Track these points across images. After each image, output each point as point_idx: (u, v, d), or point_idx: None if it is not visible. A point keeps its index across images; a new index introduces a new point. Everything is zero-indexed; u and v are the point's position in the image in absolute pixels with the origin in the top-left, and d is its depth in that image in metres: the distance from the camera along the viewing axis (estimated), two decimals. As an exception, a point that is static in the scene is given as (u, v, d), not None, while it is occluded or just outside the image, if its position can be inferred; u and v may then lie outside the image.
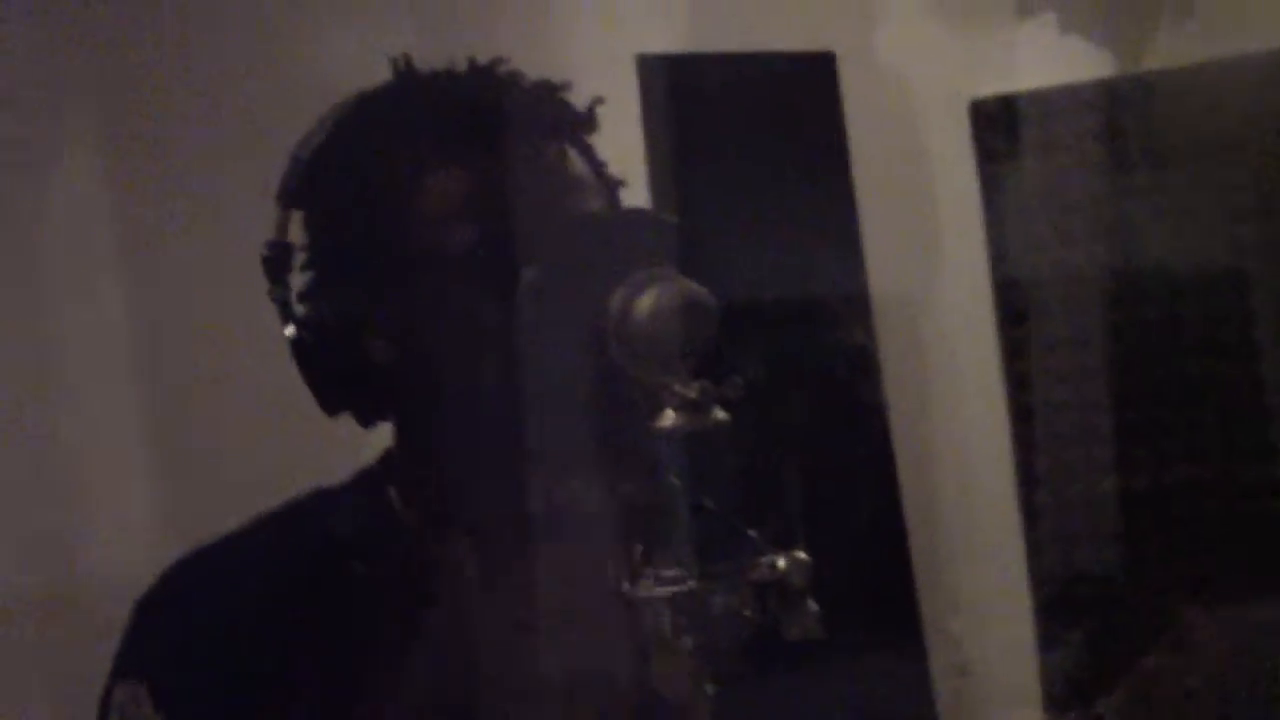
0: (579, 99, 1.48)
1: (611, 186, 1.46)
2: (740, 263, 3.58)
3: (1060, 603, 4.31)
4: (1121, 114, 4.53)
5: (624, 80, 3.62)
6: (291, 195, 1.41)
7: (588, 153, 1.45)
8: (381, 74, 1.53)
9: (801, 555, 1.15)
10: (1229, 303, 4.47)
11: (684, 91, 3.75)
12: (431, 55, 1.52)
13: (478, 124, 1.39)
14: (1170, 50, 4.75)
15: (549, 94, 1.46)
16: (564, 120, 1.45)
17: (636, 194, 1.74)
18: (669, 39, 3.73)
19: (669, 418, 1.15)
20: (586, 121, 1.46)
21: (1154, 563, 4.36)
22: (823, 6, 4.15)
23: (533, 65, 1.51)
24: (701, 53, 3.83)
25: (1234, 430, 4.41)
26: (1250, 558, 4.36)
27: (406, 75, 1.46)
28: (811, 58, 4.08)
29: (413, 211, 1.36)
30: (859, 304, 4.03)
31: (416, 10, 3.14)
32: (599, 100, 1.47)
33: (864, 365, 4.04)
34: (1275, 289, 4.42)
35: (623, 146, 3.51)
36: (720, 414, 1.15)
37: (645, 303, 1.16)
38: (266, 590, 1.32)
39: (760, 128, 3.99)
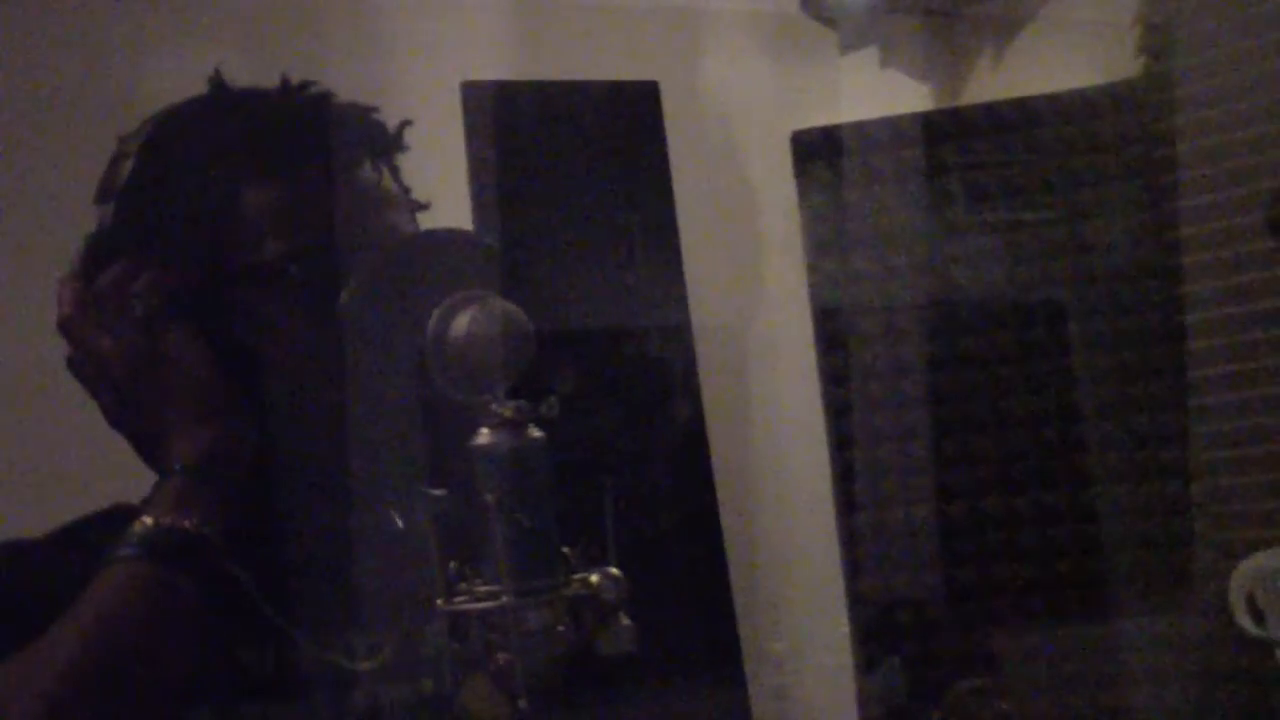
0: (390, 121, 1.49)
1: (415, 209, 1.47)
2: (563, 286, 3.60)
3: (878, 627, 4.35)
4: (939, 147, 4.60)
5: (449, 106, 3.62)
6: (111, 193, 1.40)
7: (395, 173, 1.46)
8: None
9: (615, 572, 1.16)
10: (1045, 334, 4.55)
11: (509, 118, 3.76)
12: (258, 80, 1.52)
13: (287, 141, 1.39)
14: (987, 86, 4.85)
15: (359, 114, 1.47)
16: (373, 140, 1.46)
17: (460, 219, 1.75)
18: (495, 66, 3.74)
19: (485, 436, 1.16)
20: (395, 142, 1.47)
21: (969, 588, 4.42)
22: (647, 37, 4.17)
23: (358, 91, 1.52)
24: (526, 80, 3.84)
25: (1048, 459, 4.49)
26: (1062, 584, 4.44)
27: (218, 89, 1.47)
28: (635, 87, 4.11)
29: (224, 225, 1.37)
30: (680, 329, 4.06)
31: (244, 38, 3.13)
32: (407, 122, 1.49)
33: (684, 390, 4.07)
34: (1090, 321, 4.50)
35: (447, 171, 3.53)
36: (536, 432, 1.17)
37: (461, 324, 1.17)
38: (44, 594, 1.30)
39: (584, 155, 4.01)
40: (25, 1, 3.11)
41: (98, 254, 1.40)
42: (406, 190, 1.48)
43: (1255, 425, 4.33)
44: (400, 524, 1.19)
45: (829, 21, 4.74)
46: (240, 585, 1.28)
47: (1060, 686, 4.33)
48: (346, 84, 1.54)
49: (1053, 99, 4.58)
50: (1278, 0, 4.21)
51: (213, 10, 3.31)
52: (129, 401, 1.37)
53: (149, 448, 1.38)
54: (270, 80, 1.50)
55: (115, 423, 1.39)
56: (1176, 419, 4.41)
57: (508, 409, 1.16)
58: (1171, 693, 4.38)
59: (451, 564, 1.17)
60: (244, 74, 1.52)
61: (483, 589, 1.15)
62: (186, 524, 1.29)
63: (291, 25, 3.28)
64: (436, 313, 1.19)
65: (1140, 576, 4.38)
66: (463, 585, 1.16)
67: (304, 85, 1.47)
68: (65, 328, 1.40)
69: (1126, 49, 4.50)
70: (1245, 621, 4.25)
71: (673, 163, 4.19)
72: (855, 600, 4.44)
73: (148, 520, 1.29)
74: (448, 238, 1.32)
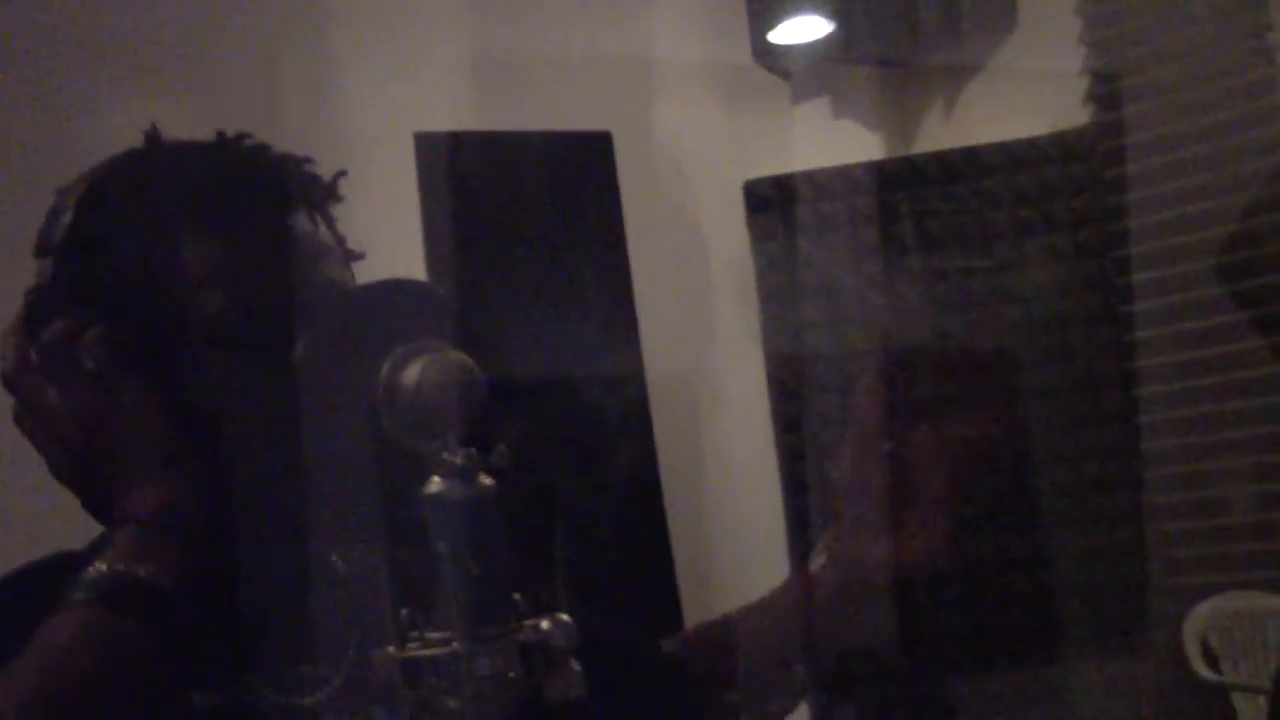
0: (327, 171, 1.50)
1: (350, 259, 1.48)
2: (516, 335, 3.61)
3: (831, 676, 4.35)
4: (891, 195, 4.64)
5: (402, 157, 3.63)
6: (50, 247, 1.40)
7: (331, 224, 1.47)
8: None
9: (564, 618, 1.17)
10: (997, 380, 4.57)
11: (462, 168, 3.78)
12: (211, 130, 1.53)
13: (224, 194, 1.40)
14: (938, 135, 4.89)
15: (293, 165, 1.47)
16: (309, 191, 1.46)
17: (413, 268, 1.77)
18: (448, 117, 3.75)
19: (436, 484, 1.17)
20: (330, 192, 1.48)
21: (922, 635, 4.44)
22: (599, 88, 4.20)
23: (313, 141, 1.53)
24: (479, 131, 3.85)
25: (1003, 507, 4.51)
26: (1015, 630, 4.45)
27: (153, 142, 1.47)
28: (588, 137, 4.13)
29: (163, 279, 1.37)
30: (633, 377, 4.07)
31: (198, 89, 3.14)
32: (342, 172, 1.49)
33: (637, 438, 4.08)
34: (1042, 368, 4.53)
35: (401, 221, 3.55)
36: (487, 481, 1.17)
37: (413, 373, 1.18)
38: None
39: (537, 205, 4.03)
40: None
41: (38, 308, 1.40)
42: (342, 240, 1.48)
43: (1206, 470, 4.36)
44: (343, 570, 1.19)
45: (781, 72, 4.77)
46: (193, 632, 1.28)
47: (1015, 732, 4.35)
48: (301, 134, 1.55)
49: (1003, 147, 4.62)
50: (1227, 49, 4.25)
51: (171, 62, 3.33)
52: (78, 456, 1.37)
53: (95, 501, 1.37)
54: (232, 130, 1.51)
55: (60, 476, 1.39)
56: (1127, 465, 4.43)
57: (459, 457, 1.17)
58: (1126, 737, 4.40)
59: (403, 611, 1.17)
60: (199, 126, 1.52)
61: (434, 635, 1.16)
62: (141, 572, 1.29)
63: (247, 76, 3.30)
64: (388, 362, 1.19)
65: (1094, 622, 4.39)
66: (414, 632, 1.16)
67: (240, 136, 1.48)
68: (8, 382, 1.39)
69: (1076, 97, 4.55)
70: (1200, 667, 4.27)
71: (626, 212, 4.22)
72: (809, 650, 4.44)
73: (101, 566, 1.29)
74: (400, 287, 1.33)
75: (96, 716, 1.25)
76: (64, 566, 1.32)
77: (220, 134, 1.48)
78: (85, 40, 3.27)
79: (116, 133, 1.50)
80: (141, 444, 1.35)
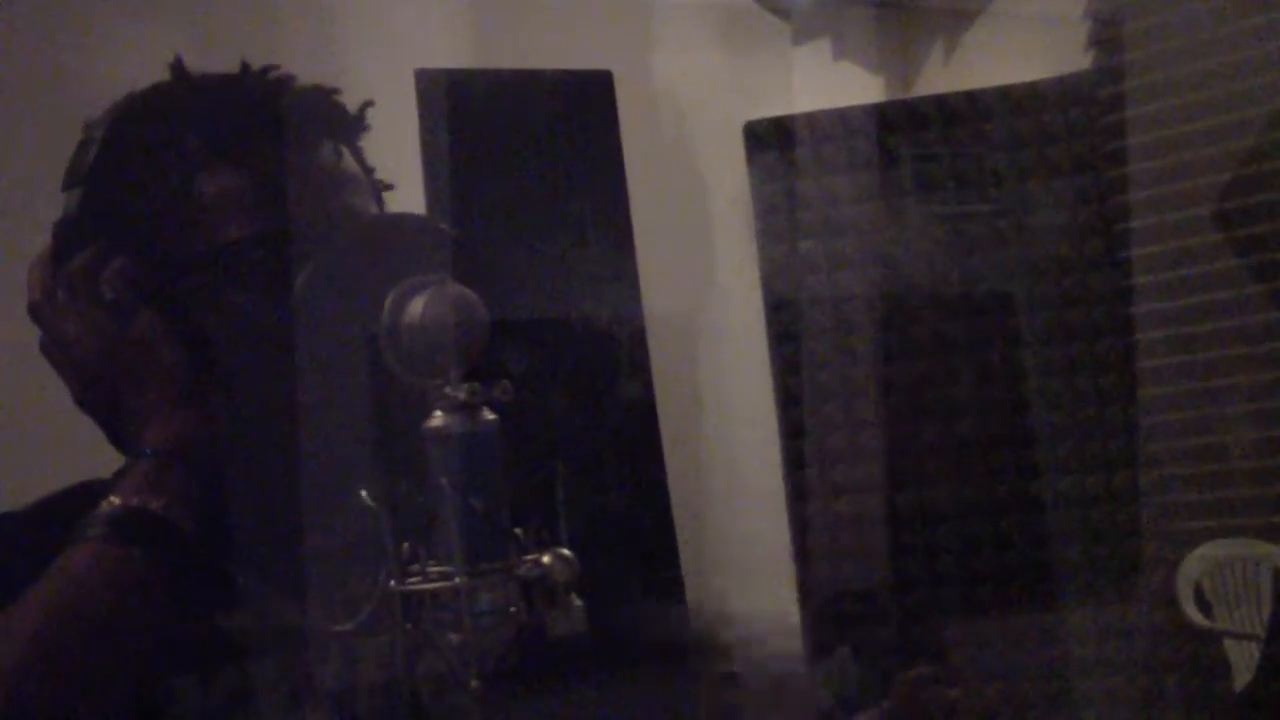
0: (351, 103, 1.49)
1: (378, 191, 1.48)
2: (516, 272, 3.60)
3: (828, 617, 4.37)
4: (891, 138, 4.63)
5: (403, 93, 3.62)
6: (77, 180, 1.41)
7: (358, 155, 1.46)
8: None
9: (566, 553, 1.17)
10: (996, 325, 4.58)
11: (462, 106, 3.76)
12: (213, 67, 1.53)
13: (249, 124, 1.40)
14: (938, 78, 4.87)
15: (320, 97, 1.47)
16: (335, 122, 1.46)
17: (414, 205, 1.76)
18: (449, 54, 3.74)
19: (438, 419, 1.17)
20: (357, 123, 1.48)
21: (918, 578, 4.45)
22: (600, 27, 4.18)
23: (313, 78, 1.52)
24: (480, 69, 3.84)
25: (997, 450, 4.51)
26: (1010, 574, 4.46)
27: (179, 75, 1.47)
28: (589, 76, 4.12)
29: (187, 209, 1.37)
30: (632, 316, 4.07)
31: (199, 25, 3.13)
32: (369, 103, 1.49)
33: (635, 377, 4.08)
34: (1039, 313, 4.53)
35: (402, 158, 3.54)
36: (489, 415, 1.17)
37: (415, 308, 1.18)
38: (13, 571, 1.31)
39: (538, 143, 4.01)
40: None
41: (67, 240, 1.41)
42: (370, 171, 1.48)
43: (1203, 417, 4.37)
44: (367, 499, 1.19)
45: (782, 13, 4.76)
46: (210, 563, 1.29)
47: (1009, 675, 4.36)
48: (301, 71, 1.54)
49: (1004, 91, 4.61)
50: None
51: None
52: (97, 386, 1.38)
53: (116, 431, 1.38)
54: (229, 67, 1.51)
55: (83, 405, 1.40)
56: (1124, 410, 4.44)
57: (461, 392, 1.17)
58: (1118, 682, 4.41)
59: (404, 545, 1.17)
60: (201, 60, 1.52)
61: (435, 570, 1.16)
62: (154, 506, 1.30)
63: (246, 12, 3.28)
64: (391, 296, 1.19)
65: (1088, 567, 4.41)
66: (415, 566, 1.17)
67: (265, 70, 1.48)
68: (35, 312, 1.41)
69: (1077, 42, 4.54)
70: (1192, 612, 4.28)
71: (626, 152, 4.21)
72: (805, 590, 4.46)
73: (115, 500, 1.30)
74: (402, 222, 1.33)
75: (106, 650, 1.26)
76: (85, 497, 1.33)
77: (244, 65, 1.47)
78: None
79: (131, 65, 1.50)
80: (157, 376, 1.35)
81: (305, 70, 1.54)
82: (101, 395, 1.38)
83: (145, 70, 1.50)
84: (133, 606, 1.28)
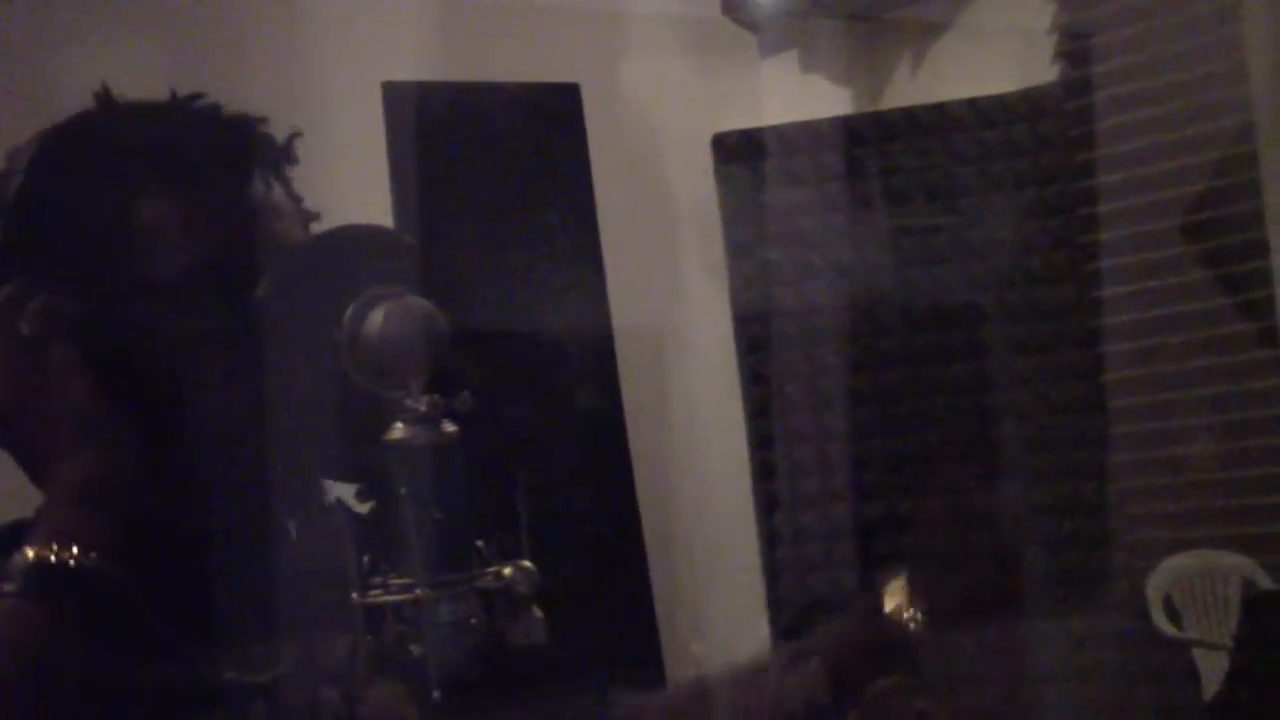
0: (280, 131, 1.48)
1: (306, 220, 1.46)
2: (483, 283, 3.61)
3: (797, 626, 4.36)
4: (859, 150, 4.64)
5: (370, 106, 3.63)
6: None
7: (286, 185, 1.45)
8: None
9: (527, 565, 1.17)
10: (964, 336, 4.59)
11: (430, 118, 3.77)
12: (180, 85, 1.52)
13: (176, 155, 1.39)
14: (906, 90, 4.88)
15: (247, 126, 1.46)
16: (262, 152, 1.45)
17: (381, 216, 1.76)
18: (417, 67, 3.74)
19: (399, 430, 1.16)
20: (285, 153, 1.46)
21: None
22: (569, 40, 4.19)
23: (283, 91, 1.52)
24: (447, 81, 3.85)
25: (966, 459, 4.52)
26: (980, 584, 4.47)
27: (104, 104, 1.45)
28: (556, 88, 4.13)
29: (115, 241, 1.36)
30: (600, 328, 4.08)
31: (166, 43, 3.12)
32: (297, 133, 1.47)
33: (603, 388, 4.09)
34: (1007, 324, 4.55)
35: (369, 169, 3.54)
36: (450, 427, 1.17)
37: (376, 319, 1.17)
38: None
39: (505, 155, 4.03)
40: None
41: None
42: (298, 201, 1.47)
43: (1170, 428, 4.38)
44: (294, 535, 1.19)
45: (750, 25, 4.77)
46: (132, 609, 1.27)
47: (978, 685, 4.36)
48: (270, 85, 1.54)
49: (971, 104, 4.62)
50: (1194, 8, 4.25)
51: (137, 11, 3.31)
52: (11, 423, 1.36)
53: (33, 469, 1.37)
54: (202, 86, 1.50)
55: (1, 441, 1.38)
56: (1092, 421, 4.45)
57: (421, 404, 1.17)
58: (1089, 691, 4.42)
59: (365, 557, 1.17)
60: (166, 79, 1.51)
61: (396, 582, 1.16)
62: (67, 556, 1.28)
63: (216, 27, 3.28)
64: (352, 307, 1.19)
65: (1058, 577, 4.41)
66: (376, 578, 1.16)
67: (192, 97, 1.46)
68: None
69: (1044, 55, 4.55)
70: (1162, 622, 4.29)
71: (594, 163, 4.21)
72: (775, 600, 4.46)
73: (29, 553, 1.28)
74: (364, 233, 1.32)
75: (29, 709, 1.25)
76: (8, 543, 1.31)
77: (173, 94, 1.46)
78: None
79: (77, 91, 1.49)
80: (70, 416, 1.33)
81: (274, 84, 1.54)
82: (18, 433, 1.37)
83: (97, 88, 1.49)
84: (53, 664, 1.26)
